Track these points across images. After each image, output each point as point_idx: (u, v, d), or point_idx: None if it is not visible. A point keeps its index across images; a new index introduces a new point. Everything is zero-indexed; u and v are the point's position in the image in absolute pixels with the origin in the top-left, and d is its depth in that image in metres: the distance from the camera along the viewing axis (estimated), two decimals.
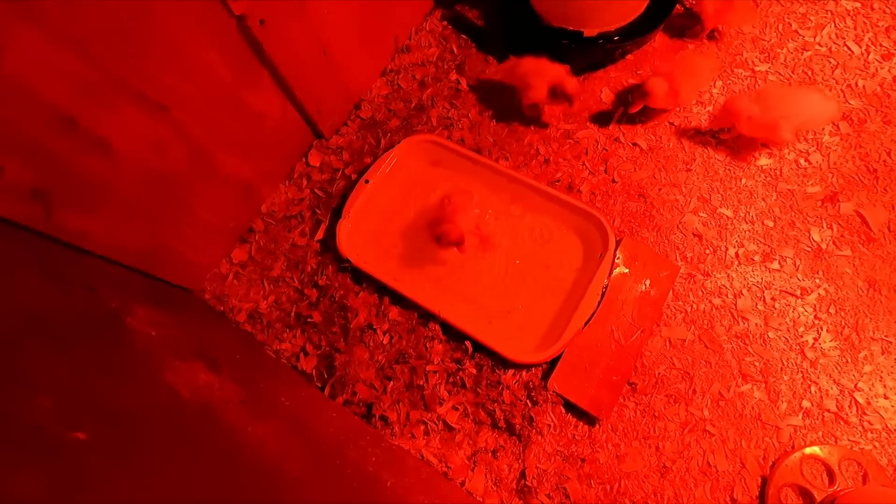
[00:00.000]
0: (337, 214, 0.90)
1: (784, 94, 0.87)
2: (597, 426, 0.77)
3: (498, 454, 0.76)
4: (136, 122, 0.66)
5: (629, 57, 1.02)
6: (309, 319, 0.85)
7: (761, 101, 0.85)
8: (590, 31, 0.95)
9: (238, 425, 0.41)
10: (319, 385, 0.81)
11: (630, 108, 0.90)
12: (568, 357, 0.78)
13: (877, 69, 0.96)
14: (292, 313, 0.87)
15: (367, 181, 0.91)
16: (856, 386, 0.76)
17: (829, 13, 1.01)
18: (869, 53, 0.97)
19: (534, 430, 0.76)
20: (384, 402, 0.79)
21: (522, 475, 0.75)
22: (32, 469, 0.20)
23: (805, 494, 0.71)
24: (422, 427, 0.78)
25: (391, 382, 0.80)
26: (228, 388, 0.50)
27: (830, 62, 0.97)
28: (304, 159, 0.99)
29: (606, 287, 0.81)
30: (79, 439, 0.24)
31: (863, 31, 0.99)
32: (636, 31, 0.98)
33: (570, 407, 0.77)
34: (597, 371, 0.77)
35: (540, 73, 0.88)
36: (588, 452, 0.76)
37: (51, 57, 0.55)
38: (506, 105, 0.99)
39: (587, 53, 0.98)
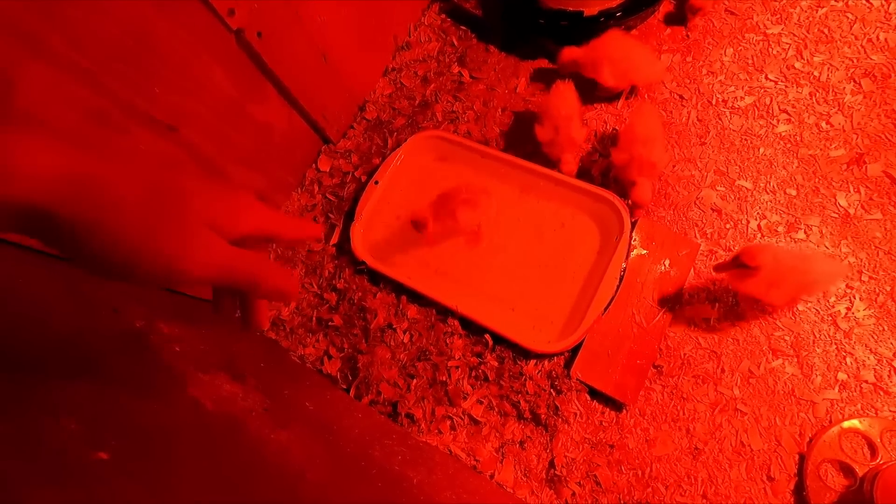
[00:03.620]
0: (350, 217, 0.91)
1: (622, 40, 0.87)
2: (624, 411, 0.76)
3: (525, 445, 0.77)
4: (147, 146, 0.68)
5: (633, 32, 0.99)
6: (330, 323, 0.87)
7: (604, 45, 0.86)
8: (590, 10, 0.93)
9: (261, 433, 0.43)
10: (345, 387, 0.82)
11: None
12: (589, 344, 0.77)
13: None
14: (314, 318, 0.88)
15: (376, 182, 0.92)
16: (895, 354, 0.73)
17: None
18: (890, 4, 0.92)
19: (560, 419, 0.76)
20: (409, 400, 0.80)
21: (552, 464, 0.75)
22: (54, 492, 0.21)
23: (846, 469, 0.68)
24: (448, 422, 0.79)
25: (414, 380, 0.81)
26: (252, 396, 0.52)
27: (848, 17, 0.93)
28: (314, 165, 1.00)
29: (625, 270, 0.79)
30: (101, 459, 0.25)
31: None
32: (640, 4, 0.95)
33: (595, 394, 0.77)
34: (620, 356, 0.76)
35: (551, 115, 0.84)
36: (616, 438, 0.75)
37: (60, 89, 0.57)
38: (510, 93, 0.98)
39: (589, 33, 0.96)
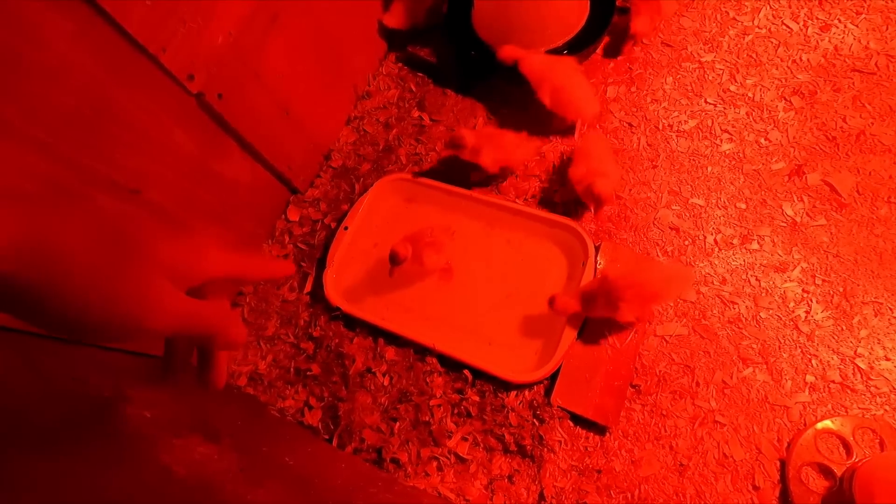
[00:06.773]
0: (322, 265, 0.92)
1: (569, 68, 0.92)
2: (607, 434, 0.76)
3: (514, 479, 0.76)
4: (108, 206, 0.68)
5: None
6: (308, 373, 0.86)
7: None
8: (537, 51, 0.99)
9: (236, 495, 0.41)
10: (327, 437, 0.81)
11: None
12: (566, 369, 0.78)
13: (818, 42, 0.99)
14: (291, 369, 0.87)
15: (345, 228, 0.93)
16: (856, 352, 0.76)
17: None
18: (807, 28, 1.00)
19: (545, 449, 0.76)
20: (393, 445, 0.78)
21: (541, 496, 0.74)
22: None
23: (825, 471, 0.70)
24: (434, 463, 0.77)
25: (397, 423, 0.80)
26: (227, 457, 0.50)
27: (772, 42, 1.00)
28: (283, 216, 1.01)
29: None
30: None
31: (798, 8, 1.03)
32: (582, 43, 1.01)
33: (577, 419, 0.77)
34: (597, 379, 0.77)
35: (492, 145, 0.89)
36: (603, 462, 0.75)
37: (18, 163, 0.57)
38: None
39: None
